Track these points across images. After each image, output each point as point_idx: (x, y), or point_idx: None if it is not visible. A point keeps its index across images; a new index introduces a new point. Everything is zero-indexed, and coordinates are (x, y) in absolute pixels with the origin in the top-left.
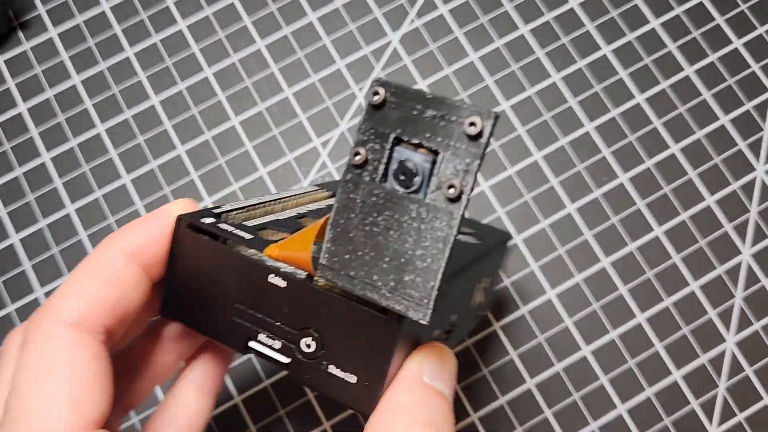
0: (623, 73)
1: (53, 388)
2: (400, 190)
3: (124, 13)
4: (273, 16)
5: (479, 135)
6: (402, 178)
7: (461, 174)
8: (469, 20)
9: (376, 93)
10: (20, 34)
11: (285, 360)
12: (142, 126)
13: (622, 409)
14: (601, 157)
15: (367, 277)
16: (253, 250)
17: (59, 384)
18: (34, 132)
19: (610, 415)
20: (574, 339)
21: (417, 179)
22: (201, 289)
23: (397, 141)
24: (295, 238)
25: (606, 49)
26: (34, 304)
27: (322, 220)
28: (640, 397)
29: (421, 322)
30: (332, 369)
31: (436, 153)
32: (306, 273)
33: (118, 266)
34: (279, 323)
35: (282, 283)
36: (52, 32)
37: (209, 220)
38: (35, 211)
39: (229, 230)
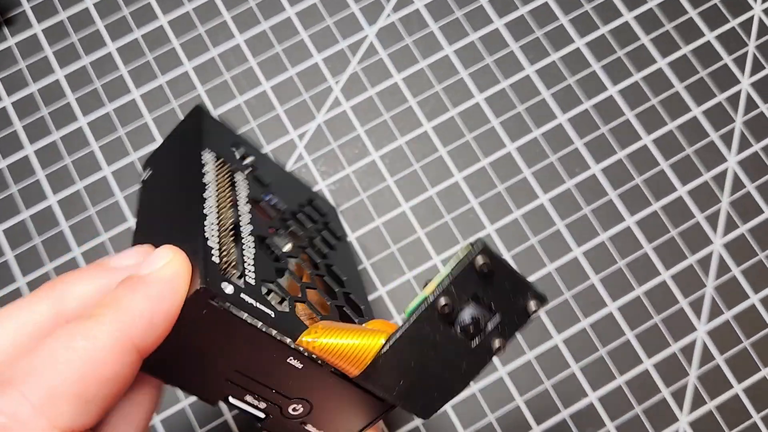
0: (596, 66)
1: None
2: (460, 335)
3: (107, 9)
4: (252, 11)
5: (533, 313)
6: (470, 330)
7: (505, 333)
8: (445, 14)
9: (483, 263)
10: (5, 30)
11: (261, 415)
12: (123, 119)
13: (593, 396)
14: (574, 148)
15: (397, 387)
16: (275, 332)
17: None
18: (18, 125)
19: (582, 403)
20: (546, 327)
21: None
22: (198, 353)
23: (476, 298)
24: (338, 337)
25: (579, 42)
26: (16, 294)
27: (375, 342)
28: (611, 386)
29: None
30: (310, 427)
31: (491, 310)
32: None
33: (124, 366)
34: (274, 391)
35: (299, 365)
36: (37, 28)
37: (230, 289)
38: (18, 202)
39: (253, 305)
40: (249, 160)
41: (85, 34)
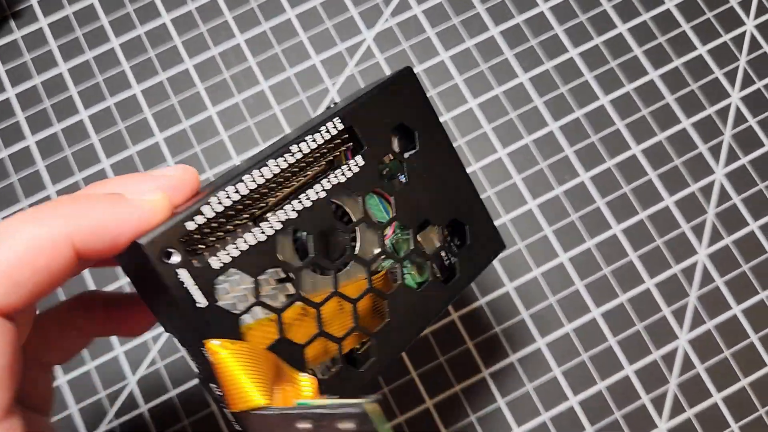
0: (589, 76)
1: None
2: None
3: (112, 6)
4: (253, 12)
5: None
6: None
7: None
8: (442, 21)
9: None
10: (12, 23)
11: (196, 370)
12: (123, 113)
13: (574, 401)
14: (564, 155)
15: None
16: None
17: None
18: (20, 116)
19: (562, 407)
20: (529, 331)
21: None
22: (145, 296)
23: None
24: (237, 366)
25: (573, 52)
26: None
27: (252, 398)
28: (592, 390)
29: None
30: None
31: None
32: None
33: (57, 250)
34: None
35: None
36: (43, 22)
37: (174, 258)
38: (18, 191)
39: (181, 283)
40: (406, 154)
41: (89, 29)
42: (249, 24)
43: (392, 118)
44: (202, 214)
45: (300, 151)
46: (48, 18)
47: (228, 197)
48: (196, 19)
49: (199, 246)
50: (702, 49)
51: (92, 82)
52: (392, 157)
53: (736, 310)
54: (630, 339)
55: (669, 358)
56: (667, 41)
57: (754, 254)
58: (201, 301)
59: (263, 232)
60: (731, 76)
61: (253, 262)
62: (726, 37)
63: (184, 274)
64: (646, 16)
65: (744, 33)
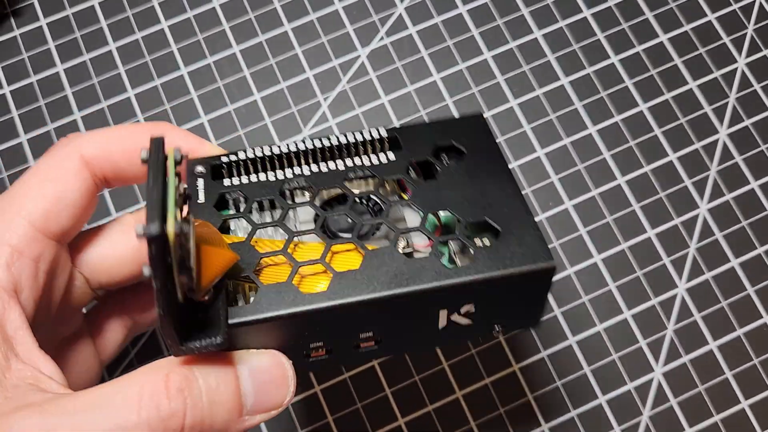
0: (578, 104)
1: (35, 191)
2: None
3: (112, 9)
4: (251, 23)
5: None
6: None
7: None
8: (436, 42)
9: None
10: (12, 20)
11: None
12: (116, 116)
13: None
14: (549, 182)
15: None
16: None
17: (42, 192)
18: (14, 113)
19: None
20: (507, 356)
21: None
22: None
23: None
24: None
25: (564, 80)
26: None
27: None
28: (563, 418)
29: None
30: None
31: None
32: None
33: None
34: None
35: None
36: (42, 21)
37: (200, 168)
38: (8, 187)
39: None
40: (440, 164)
41: (88, 31)
42: (245, 35)
43: (442, 139)
44: (234, 154)
45: (337, 139)
46: (48, 18)
47: (261, 152)
48: (193, 27)
49: (224, 174)
50: (692, 84)
51: (88, 83)
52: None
53: (713, 345)
54: (604, 368)
55: (643, 389)
56: (658, 74)
57: (744, 251)
58: (201, 198)
59: (275, 176)
60: (720, 113)
61: (256, 191)
62: (717, 74)
63: (200, 181)
64: (639, 48)
65: (735, 70)
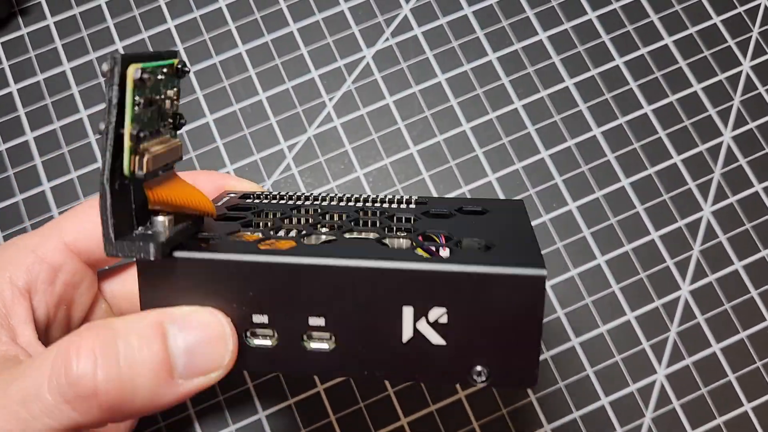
0: (583, 106)
1: (78, 215)
2: None
3: (119, 9)
4: (257, 23)
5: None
6: None
7: None
8: (441, 43)
9: None
10: (20, 19)
11: None
12: None
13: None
14: (553, 183)
15: None
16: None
17: (83, 216)
18: (21, 111)
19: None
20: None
21: None
22: None
23: None
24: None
25: (569, 82)
26: None
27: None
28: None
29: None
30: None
31: None
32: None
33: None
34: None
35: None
36: (50, 20)
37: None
38: (13, 185)
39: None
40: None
41: (95, 30)
42: (251, 35)
43: (470, 205)
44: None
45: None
46: (55, 17)
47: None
48: (200, 26)
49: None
50: (697, 87)
51: (94, 82)
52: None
53: (716, 347)
54: (607, 369)
55: (645, 391)
56: (663, 76)
57: (748, 254)
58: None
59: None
60: (725, 115)
61: (267, 207)
62: (722, 76)
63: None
64: (643, 50)
65: (740, 73)
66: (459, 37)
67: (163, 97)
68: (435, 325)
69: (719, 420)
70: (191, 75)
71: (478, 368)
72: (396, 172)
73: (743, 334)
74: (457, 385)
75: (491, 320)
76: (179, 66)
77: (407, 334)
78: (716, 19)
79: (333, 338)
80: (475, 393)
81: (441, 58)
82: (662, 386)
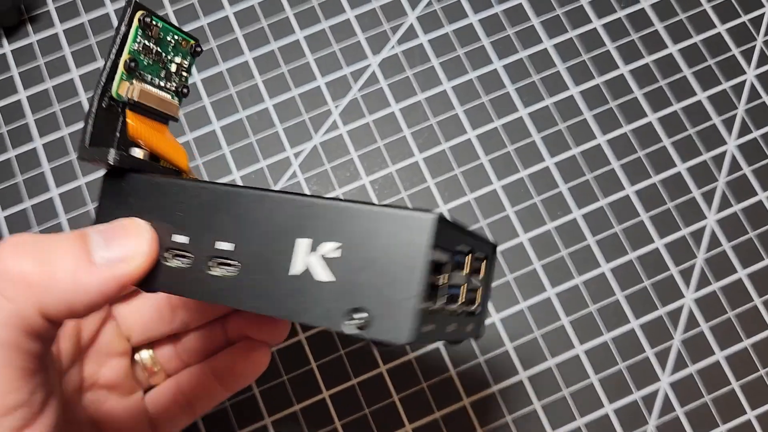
0: (587, 114)
1: None
2: None
3: None
4: (263, 32)
5: None
6: None
7: None
8: (447, 51)
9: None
10: (29, 27)
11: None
12: None
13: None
14: (558, 191)
15: None
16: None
17: None
18: (30, 118)
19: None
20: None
21: None
22: None
23: None
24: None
25: (573, 90)
26: None
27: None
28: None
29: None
30: None
31: None
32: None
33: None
34: None
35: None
36: (58, 28)
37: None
38: (22, 191)
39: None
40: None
41: (103, 38)
42: (258, 43)
43: None
44: None
45: None
46: (64, 24)
47: None
48: (207, 34)
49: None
50: (702, 95)
51: None
52: None
53: (719, 355)
54: (611, 377)
55: (649, 399)
56: (668, 85)
57: (752, 262)
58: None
59: None
60: (729, 124)
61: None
62: (726, 85)
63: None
64: (648, 59)
65: (744, 82)
66: (464, 45)
67: (170, 58)
68: (326, 260)
69: (723, 428)
70: (198, 82)
71: (356, 313)
72: (402, 180)
73: (747, 342)
74: (462, 393)
75: (378, 261)
76: (194, 45)
77: (297, 267)
78: (721, 28)
79: (237, 268)
80: (480, 400)
81: (447, 66)
82: (666, 394)
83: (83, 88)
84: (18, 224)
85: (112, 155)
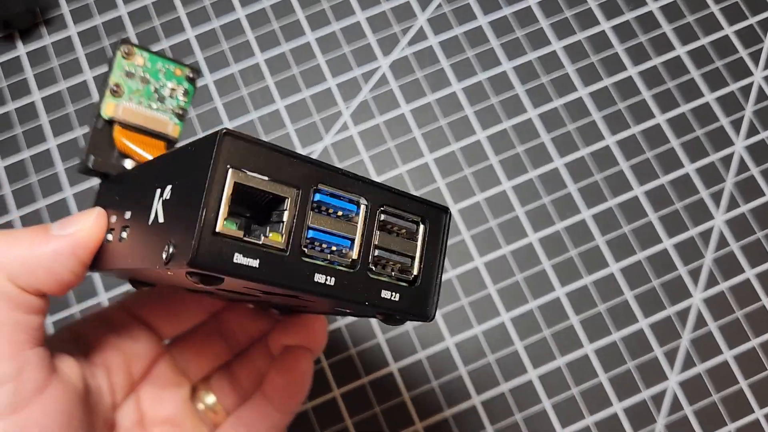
0: (596, 116)
1: None
2: None
3: (139, 18)
4: (274, 34)
5: None
6: None
7: None
8: (456, 53)
9: None
10: (43, 29)
11: None
12: None
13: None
14: (567, 192)
15: None
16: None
17: None
18: (44, 119)
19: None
20: (522, 362)
21: None
22: None
23: None
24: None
25: (582, 92)
26: None
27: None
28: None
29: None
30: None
31: None
32: None
33: None
34: None
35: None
36: (72, 30)
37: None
38: (36, 191)
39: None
40: None
41: (116, 40)
42: (269, 44)
43: None
44: None
45: None
46: (77, 26)
47: None
48: (219, 36)
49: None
50: (709, 97)
51: None
52: None
53: (727, 355)
54: (621, 377)
55: (658, 398)
56: (676, 87)
57: (760, 262)
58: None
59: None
60: (737, 125)
61: None
62: (734, 86)
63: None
64: (656, 61)
65: (752, 83)
66: (474, 47)
67: (161, 84)
68: (163, 203)
69: (731, 426)
70: (210, 84)
71: (168, 247)
72: (412, 180)
73: (755, 342)
74: (473, 392)
75: (188, 193)
76: (188, 74)
77: (152, 216)
78: (728, 30)
79: (128, 231)
80: (490, 399)
81: (456, 68)
82: (675, 393)
83: (96, 90)
84: (33, 224)
85: (91, 160)
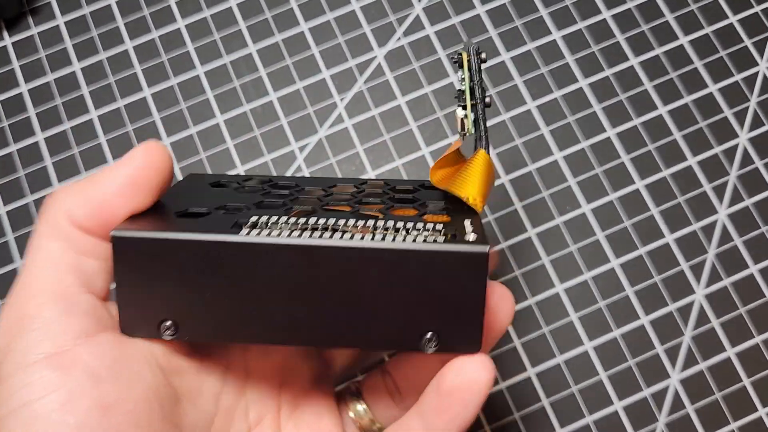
0: (597, 107)
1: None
2: None
3: (128, 8)
4: (267, 23)
5: None
6: None
7: None
8: (453, 43)
9: None
10: (30, 19)
11: None
12: (132, 116)
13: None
14: (567, 186)
15: None
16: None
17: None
18: (31, 112)
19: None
20: (521, 360)
21: None
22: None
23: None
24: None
25: (583, 83)
26: (12, 275)
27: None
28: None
29: None
30: None
31: None
32: None
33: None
34: None
35: None
36: (60, 20)
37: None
38: (24, 186)
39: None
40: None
41: (104, 30)
42: (262, 35)
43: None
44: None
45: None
46: (65, 16)
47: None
48: (210, 26)
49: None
50: (713, 87)
51: (104, 82)
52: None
53: (730, 352)
54: (621, 374)
55: (659, 396)
56: (678, 77)
57: (764, 257)
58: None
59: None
60: (740, 117)
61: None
62: (738, 77)
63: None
64: (658, 51)
65: (756, 74)
66: (472, 37)
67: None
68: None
69: (733, 425)
70: (201, 75)
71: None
72: (407, 173)
73: (758, 339)
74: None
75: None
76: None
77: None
78: (733, 19)
79: None
80: (488, 398)
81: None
82: (676, 391)
83: (85, 81)
84: (20, 219)
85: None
